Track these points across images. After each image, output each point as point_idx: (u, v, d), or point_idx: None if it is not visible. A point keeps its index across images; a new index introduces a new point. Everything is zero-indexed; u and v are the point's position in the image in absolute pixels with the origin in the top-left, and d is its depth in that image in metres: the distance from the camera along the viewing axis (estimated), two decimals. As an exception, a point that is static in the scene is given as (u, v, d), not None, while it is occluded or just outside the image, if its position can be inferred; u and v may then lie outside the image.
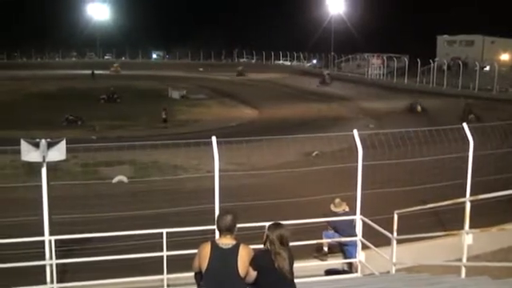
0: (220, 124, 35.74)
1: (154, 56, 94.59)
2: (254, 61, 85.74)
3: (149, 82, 64.54)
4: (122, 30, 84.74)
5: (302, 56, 76.09)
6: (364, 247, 9.86)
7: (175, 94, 53.21)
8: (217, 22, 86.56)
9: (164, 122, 36.59)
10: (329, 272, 10.15)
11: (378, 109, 38.94)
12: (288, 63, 78.85)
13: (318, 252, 10.66)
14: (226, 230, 5.61)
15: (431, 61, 50.11)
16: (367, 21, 72.39)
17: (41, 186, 8.22)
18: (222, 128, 33.22)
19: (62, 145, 8.15)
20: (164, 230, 8.46)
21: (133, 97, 50.34)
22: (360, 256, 9.93)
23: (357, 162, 9.92)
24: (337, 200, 10.63)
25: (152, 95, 52.74)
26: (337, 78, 59.92)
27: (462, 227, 8.53)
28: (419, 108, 35.96)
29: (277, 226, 5.82)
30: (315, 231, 10.33)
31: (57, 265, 8.47)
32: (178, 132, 32.34)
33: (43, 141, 7.95)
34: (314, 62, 76.38)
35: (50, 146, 8.00)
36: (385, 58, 60.27)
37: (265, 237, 5.78)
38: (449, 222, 11.03)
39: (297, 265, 6.00)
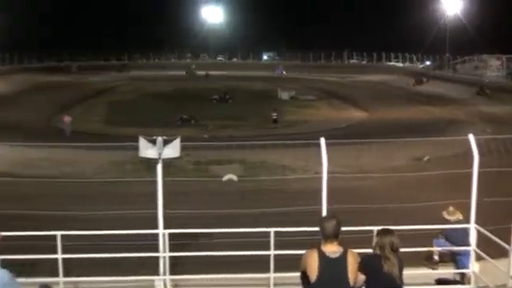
0: (329, 125, 35.55)
1: (265, 57, 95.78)
2: (364, 62, 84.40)
3: (259, 82, 65.51)
4: (234, 31, 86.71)
5: (414, 57, 73.80)
6: (478, 258, 9.39)
7: (284, 95, 53.62)
8: (327, 22, 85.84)
9: (274, 122, 36.97)
10: (440, 281, 9.77)
11: (495, 113, 36.89)
12: (400, 65, 76.82)
13: (427, 260, 10.30)
14: (332, 237, 5.38)
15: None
16: (486, 20, 68.46)
17: (156, 182, 8.59)
18: (330, 129, 33.02)
19: (177, 143, 8.49)
20: (271, 230, 8.54)
21: (244, 97, 51.34)
22: (473, 267, 9.47)
23: (472, 168, 9.46)
24: (451, 208, 10.22)
25: (262, 96, 53.50)
26: (451, 79, 57.56)
27: None
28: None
29: (387, 231, 5.68)
30: (425, 238, 9.99)
31: (169, 257, 8.83)
32: (286, 133, 32.55)
33: (159, 138, 8.32)
34: (428, 63, 73.71)
35: (165, 143, 8.36)
36: (504, 58, 57.01)
37: (374, 242, 5.66)
38: None
39: (406, 272, 5.84)
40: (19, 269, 7.58)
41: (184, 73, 76.13)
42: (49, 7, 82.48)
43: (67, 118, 32.63)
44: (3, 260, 7.68)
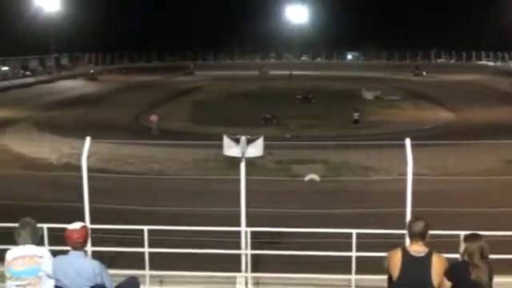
0: (414, 126, 34.66)
1: (349, 57, 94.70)
2: (452, 61, 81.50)
3: (343, 82, 64.92)
4: (318, 31, 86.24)
5: (507, 56, 70.41)
6: None
7: (368, 95, 52.81)
8: (414, 21, 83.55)
9: (355, 122, 36.50)
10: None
11: None
12: (491, 64, 73.51)
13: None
14: (418, 236, 5.35)
15: None
16: None
17: (239, 180, 8.72)
18: (415, 130, 32.16)
19: (260, 142, 8.57)
20: (354, 231, 8.46)
21: (327, 97, 51.01)
22: None
23: None
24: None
25: (346, 96, 52.97)
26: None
27: None
28: None
29: (476, 237, 5.47)
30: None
31: (251, 255, 8.94)
32: (369, 133, 32.06)
33: (243, 137, 8.43)
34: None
35: (249, 142, 8.46)
36: None
37: (462, 248, 5.46)
38: None
39: (496, 280, 5.62)
40: (109, 260, 7.95)
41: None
42: (139, 10, 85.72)
43: (154, 117, 33.72)
44: (94, 251, 8.08)
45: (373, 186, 18.10)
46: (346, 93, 55.75)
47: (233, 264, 8.95)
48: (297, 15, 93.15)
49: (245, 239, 8.76)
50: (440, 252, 5.51)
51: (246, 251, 8.78)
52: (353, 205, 13.60)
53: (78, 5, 72.54)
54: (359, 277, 8.64)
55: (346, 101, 47.70)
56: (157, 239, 8.75)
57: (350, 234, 8.43)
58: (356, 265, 8.51)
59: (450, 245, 6.39)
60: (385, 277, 5.71)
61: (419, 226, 5.37)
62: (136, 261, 8.67)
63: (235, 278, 8.92)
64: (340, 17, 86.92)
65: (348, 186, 18.03)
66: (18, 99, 44.61)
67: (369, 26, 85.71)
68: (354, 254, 8.44)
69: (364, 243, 8.64)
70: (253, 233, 8.95)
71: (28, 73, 59.72)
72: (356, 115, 37.05)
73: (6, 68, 57.31)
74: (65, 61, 68.18)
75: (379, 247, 7.26)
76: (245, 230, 8.73)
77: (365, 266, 8.37)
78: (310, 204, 14.86)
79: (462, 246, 5.41)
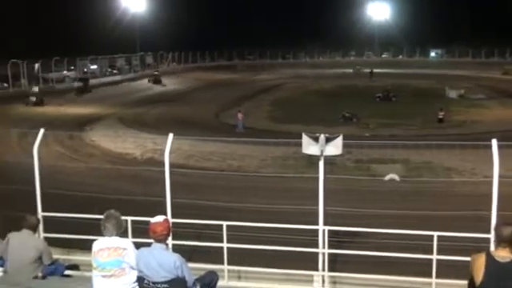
0: (501, 126, 33.14)
1: (432, 54, 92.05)
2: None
3: (425, 80, 63.20)
4: (400, 28, 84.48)
5: None
6: None
7: (452, 94, 51.08)
8: (498, 17, 79.93)
9: (439, 122, 35.45)
10: None
11: None
12: None
13: None
14: (506, 242, 5.10)
15: None
16: None
17: (317, 178, 8.70)
18: (503, 131, 30.78)
19: (339, 140, 8.51)
20: (435, 233, 8.24)
21: (408, 96, 49.87)
22: None
23: None
24: None
25: (428, 94, 51.52)
26: None
27: None
28: None
29: None
30: None
31: (328, 254, 8.90)
32: (453, 133, 31.03)
33: (322, 136, 8.40)
34: None
35: (328, 140, 8.43)
36: None
37: None
38: None
39: None
40: (188, 254, 8.16)
41: (351, 71, 75.97)
42: (225, 10, 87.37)
43: (240, 115, 34.17)
44: (174, 245, 8.32)
45: (455, 188, 17.52)
46: (429, 91, 54.22)
47: (305, 262, 8.94)
48: (379, 12, 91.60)
49: (322, 238, 8.73)
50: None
51: (323, 250, 8.76)
52: (433, 206, 13.23)
53: (162, 5, 74.87)
54: (440, 281, 8.41)
55: (428, 99, 46.40)
56: (235, 235, 8.89)
57: (431, 236, 8.23)
58: (436, 268, 8.30)
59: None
60: (465, 282, 5.54)
61: (508, 231, 5.13)
62: (215, 255, 8.85)
63: (312, 276, 8.92)
64: (423, 14, 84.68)
65: (429, 187, 17.56)
66: (106, 96, 46.61)
67: (453, 23, 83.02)
68: (434, 256, 8.22)
69: (446, 246, 8.40)
70: (330, 232, 8.91)
71: (115, 71, 62.20)
72: (441, 114, 35.99)
73: (94, 66, 59.98)
74: (149, 59, 70.37)
75: (462, 251, 7.05)
76: (322, 228, 8.71)
77: (446, 271, 8.15)
78: (389, 204, 14.58)
79: None
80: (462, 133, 31.06)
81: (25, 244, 7.16)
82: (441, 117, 35.82)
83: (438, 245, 8.24)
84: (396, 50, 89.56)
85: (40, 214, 9.14)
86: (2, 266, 7.41)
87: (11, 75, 44.47)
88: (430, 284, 8.49)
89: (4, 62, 43.69)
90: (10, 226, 7.51)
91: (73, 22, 68.05)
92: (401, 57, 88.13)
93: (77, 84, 41.30)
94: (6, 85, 44.51)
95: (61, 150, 24.17)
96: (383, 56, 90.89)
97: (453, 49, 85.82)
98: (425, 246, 8.43)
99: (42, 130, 9.33)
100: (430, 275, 8.38)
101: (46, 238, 8.64)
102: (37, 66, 49.26)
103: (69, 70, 54.63)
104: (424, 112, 38.73)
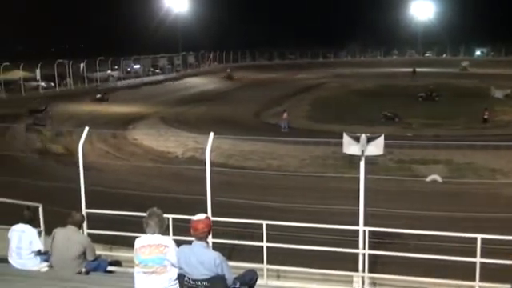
0: (550, 127, 32.25)
1: (477, 53, 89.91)
2: None
3: (470, 80, 61.82)
4: (443, 27, 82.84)
5: None
6: None
7: (498, 93, 49.75)
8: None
9: (484, 122, 34.64)
10: None
11: None
12: None
13: None
14: None
15: None
16: None
17: (358, 179, 8.63)
18: (551, 132, 29.93)
19: (380, 140, 8.43)
20: (478, 236, 8.07)
21: (452, 95, 48.85)
22: None
23: None
24: None
25: (472, 94, 50.32)
26: None
27: None
28: None
29: None
30: None
31: (368, 255, 8.83)
32: (499, 133, 30.27)
33: (363, 135, 8.34)
34: None
35: (369, 140, 8.36)
36: None
37: None
38: None
39: None
40: (228, 252, 8.23)
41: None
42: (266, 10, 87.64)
43: (285, 115, 34.12)
44: (215, 243, 8.40)
45: (501, 190, 17.12)
46: (473, 91, 52.97)
47: (343, 262, 8.88)
48: (422, 11, 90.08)
49: (363, 238, 8.67)
50: None
51: (363, 251, 8.70)
52: (477, 208, 12.97)
53: (205, 5, 75.49)
54: (483, 284, 8.24)
55: (472, 99, 45.31)
56: (274, 234, 8.91)
57: (474, 238, 8.07)
58: (480, 271, 8.14)
59: None
60: (509, 285, 5.43)
61: None
62: (254, 254, 8.89)
63: (352, 277, 8.87)
64: (468, 12, 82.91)
65: (472, 189, 17.21)
66: (148, 95, 47.26)
67: (499, 21, 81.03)
68: (478, 259, 8.06)
69: (491, 249, 8.23)
70: (371, 232, 8.83)
71: (158, 71, 63.01)
72: (486, 114, 35.16)
73: (138, 66, 60.90)
74: (191, 59, 70.98)
75: (507, 254, 6.90)
76: (363, 229, 8.65)
77: (490, 274, 7.98)
78: (430, 205, 14.37)
79: None
80: (507, 133, 30.26)
81: (70, 240, 7.32)
82: (486, 117, 35.01)
83: (481, 247, 8.08)
84: (440, 49, 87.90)
85: (84, 210, 9.36)
86: (47, 260, 7.61)
87: (57, 75, 45.80)
88: (473, 287, 8.33)
89: (51, 62, 45.06)
90: (56, 222, 7.71)
91: (118, 22, 69.37)
92: (444, 56, 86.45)
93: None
94: (52, 84, 45.85)
95: (104, 148, 24.67)
96: (426, 55, 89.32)
97: (499, 47, 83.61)
98: (467, 248, 8.28)
99: (86, 128, 9.54)
100: (472, 279, 8.22)
101: (89, 235, 8.84)
102: (82, 65, 50.45)
103: (112, 69, 55.60)
104: (468, 112, 37.90)
